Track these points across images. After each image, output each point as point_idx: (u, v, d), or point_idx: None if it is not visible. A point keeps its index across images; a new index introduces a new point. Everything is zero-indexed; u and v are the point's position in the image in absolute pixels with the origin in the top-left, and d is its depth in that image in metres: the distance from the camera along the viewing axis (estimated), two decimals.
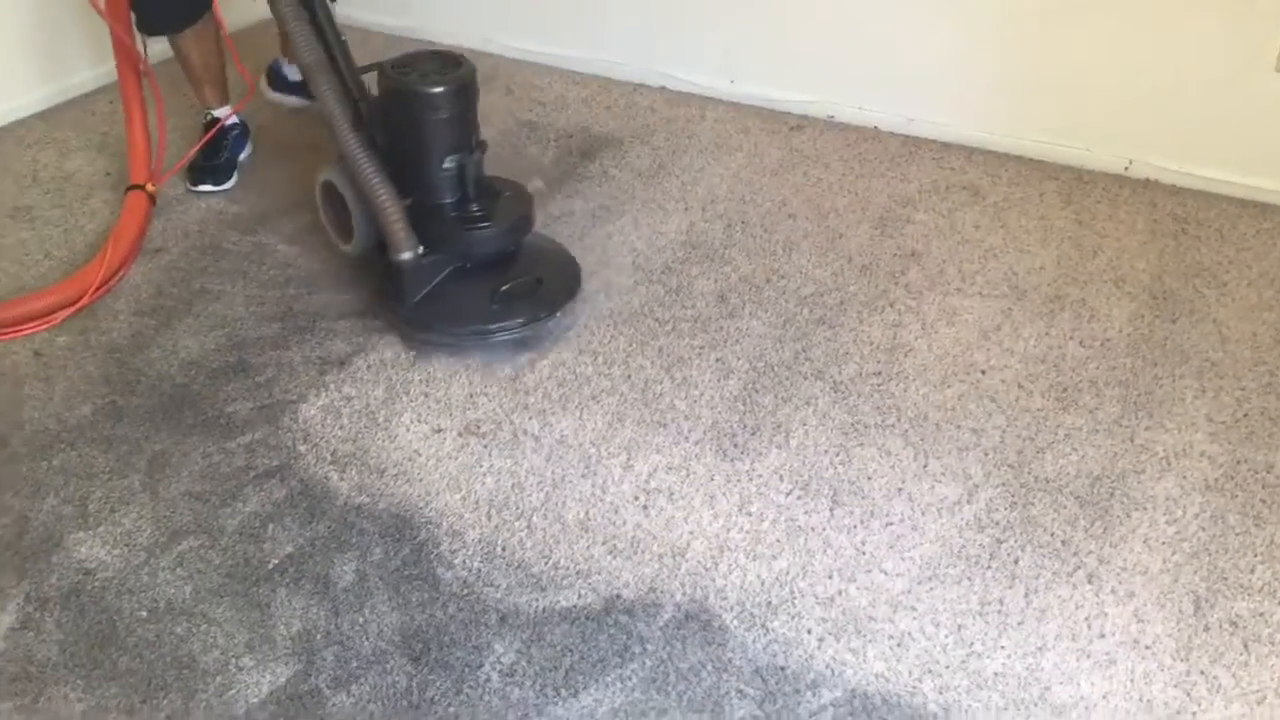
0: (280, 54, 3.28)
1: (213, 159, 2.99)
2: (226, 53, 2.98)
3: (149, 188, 2.74)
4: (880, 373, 2.29)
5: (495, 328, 2.36)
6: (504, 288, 2.35)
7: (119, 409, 2.23)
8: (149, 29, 2.79)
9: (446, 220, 2.36)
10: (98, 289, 2.51)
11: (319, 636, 1.75)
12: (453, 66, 2.31)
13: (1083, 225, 2.75)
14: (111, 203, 2.90)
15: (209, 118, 3.03)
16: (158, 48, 2.88)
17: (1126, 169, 2.94)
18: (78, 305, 2.48)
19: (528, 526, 1.95)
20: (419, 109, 2.27)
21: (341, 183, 2.38)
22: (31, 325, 2.43)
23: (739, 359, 2.34)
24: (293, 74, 3.28)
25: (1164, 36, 2.77)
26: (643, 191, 2.95)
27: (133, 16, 2.70)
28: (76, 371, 2.33)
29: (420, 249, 2.31)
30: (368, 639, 1.75)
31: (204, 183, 2.96)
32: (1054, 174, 2.97)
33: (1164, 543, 1.90)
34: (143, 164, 2.76)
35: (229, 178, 3.00)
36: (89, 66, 3.50)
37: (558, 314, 2.42)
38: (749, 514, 1.97)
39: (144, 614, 1.80)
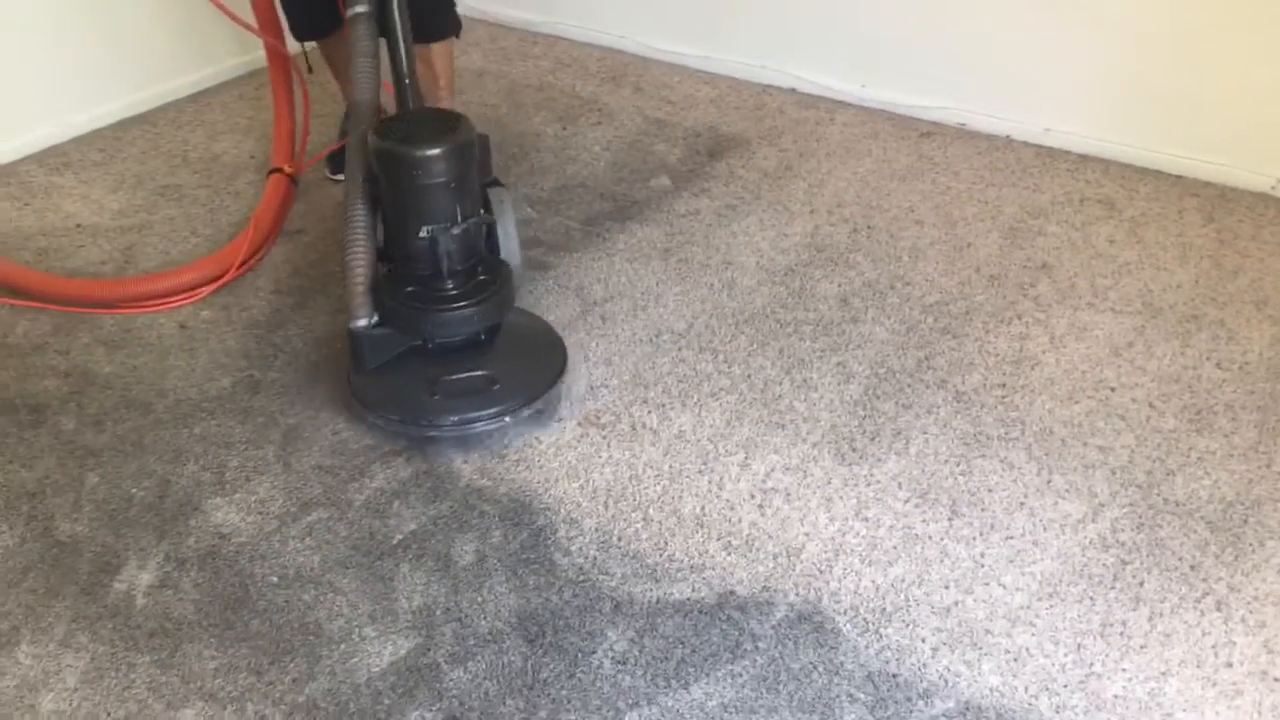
0: None
1: None
2: None
3: (287, 169, 2.84)
4: (1005, 385, 2.26)
5: (425, 423, 2.14)
6: (447, 379, 2.15)
7: (256, 382, 2.32)
8: (301, 37, 2.88)
9: (407, 295, 2.13)
10: (240, 266, 2.62)
11: (439, 612, 1.80)
12: (445, 129, 2.08)
13: (1224, 244, 2.66)
14: (255, 184, 3.02)
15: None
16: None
17: (1273, 188, 2.84)
18: (221, 281, 2.58)
19: (644, 518, 1.98)
20: (398, 171, 2.07)
21: None
22: (177, 299, 2.54)
23: (860, 364, 2.33)
24: None
25: None
26: (769, 192, 2.95)
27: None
28: (218, 345, 2.43)
29: (374, 319, 2.13)
30: (485, 618, 1.79)
31: (342, 171, 3.05)
32: (1195, 190, 2.88)
33: None
34: (286, 149, 2.86)
35: None
36: (238, 53, 3.65)
37: (506, 419, 2.14)
38: (865, 519, 1.96)
39: (275, 579, 1.87)
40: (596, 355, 2.37)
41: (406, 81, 2.30)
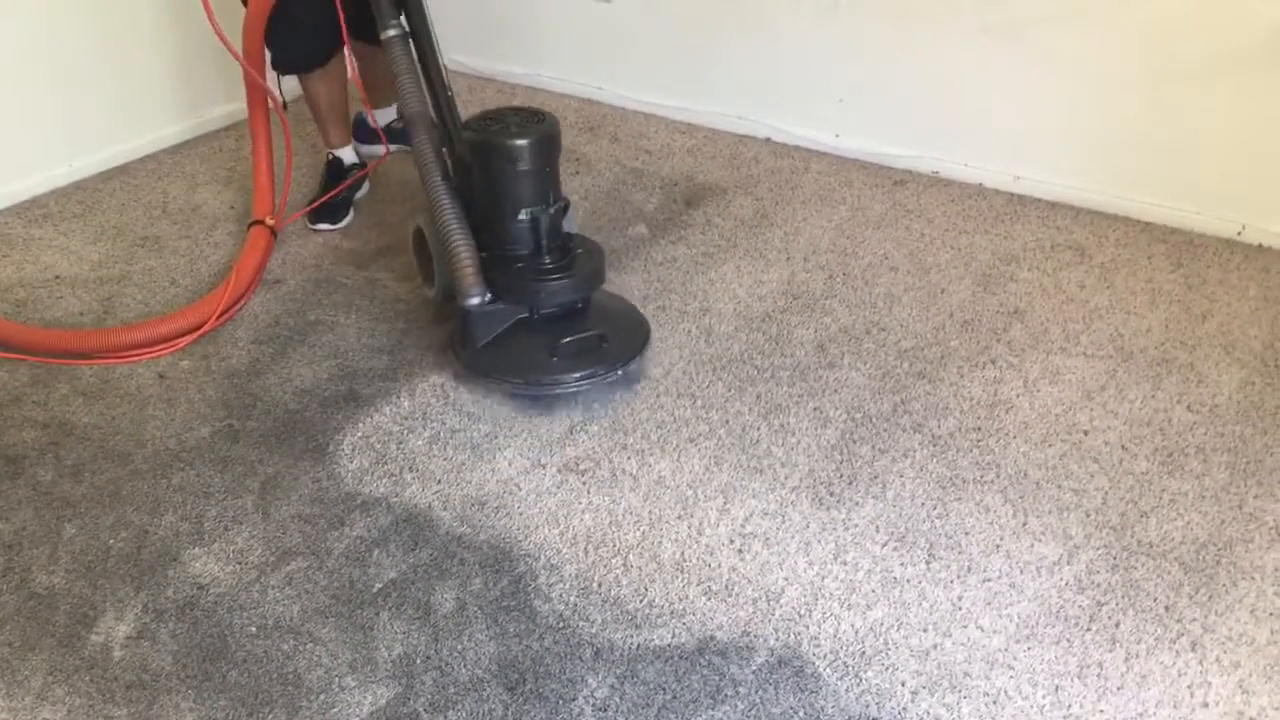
0: (363, 106, 3.29)
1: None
2: (355, 94, 3.11)
3: (268, 221, 2.86)
4: (980, 428, 2.28)
5: (551, 381, 2.35)
6: (564, 341, 2.35)
7: (235, 432, 2.32)
8: (283, 68, 2.92)
9: (516, 271, 2.37)
10: (219, 316, 2.62)
11: (419, 661, 1.80)
12: (534, 121, 2.35)
13: (1192, 289, 2.71)
14: (235, 234, 3.04)
15: (331, 157, 3.16)
16: (287, 85, 3.02)
17: (1239, 234, 2.90)
18: (200, 331, 2.59)
19: (624, 564, 1.98)
20: (496, 161, 2.32)
21: (427, 229, 2.47)
22: (157, 349, 2.54)
23: (837, 409, 2.35)
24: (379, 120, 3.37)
25: (1278, 99, 2.73)
26: (745, 240, 2.99)
27: (268, 56, 2.84)
28: (197, 394, 2.43)
29: (487, 296, 2.33)
30: (465, 666, 1.79)
31: (322, 221, 3.07)
32: (1163, 236, 2.93)
33: (1271, 614, 1.86)
34: (266, 200, 2.88)
35: (345, 215, 3.11)
36: (218, 104, 3.68)
37: (618, 371, 2.39)
38: (844, 563, 1.98)
39: (253, 630, 1.86)
40: (576, 400, 2.38)
41: (450, 93, 2.52)
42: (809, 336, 2.59)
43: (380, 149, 3.29)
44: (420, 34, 2.49)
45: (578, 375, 2.34)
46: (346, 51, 2.88)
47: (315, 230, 3.06)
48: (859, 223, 3.06)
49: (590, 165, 3.40)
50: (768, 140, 3.55)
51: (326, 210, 3.09)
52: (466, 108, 3.78)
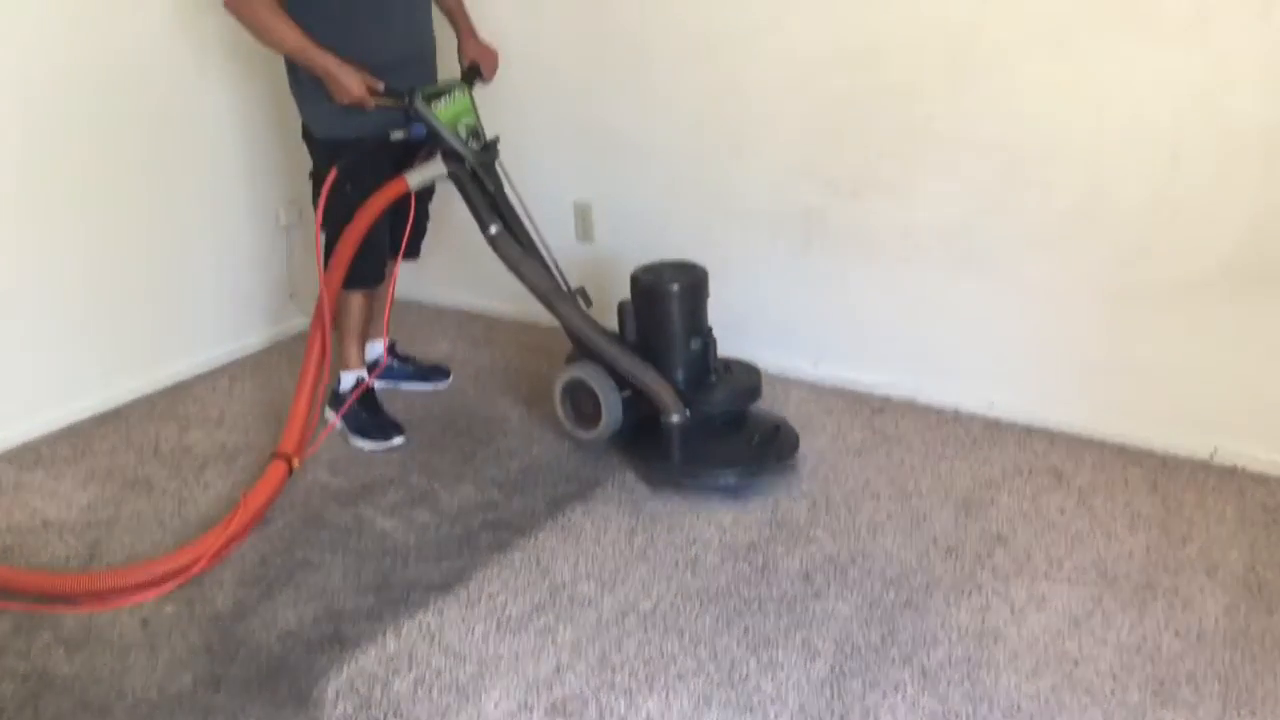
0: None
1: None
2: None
3: (295, 463, 2.84)
4: (970, 659, 2.27)
5: (757, 467, 2.87)
6: (757, 437, 2.90)
7: (218, 678, 2.29)
8: (358, 285, 3.13)
9: (705, 388, 2.90)
10: (213, 557, 2.61)
11: None
12: (689, 269, 2.94)
13: (1170, 512, 2.74)
14: (225, 475, 3.07)
15: (330, 394, 3.24)
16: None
17: (1212, 456, 2.95)
18: (193, 570, 2.57)
19: None
20: (675, 301, 2.87)
21: (593, 377, 2.93)
22: (144, 593, 2.53)
23: (825, 641, 2.34)
24: (371, 352, 3.49)
25: (1245, 324, 2.82)
26: None
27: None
28: (180, 641, 2.41)
29: (687, 412, 2.80)
30: None
31: (369, 439, 3.23)
32: (1137, 460, 2.99)
33: None
34: (297, 433, 2.85)
35: (397, 433, 3.25)
36: (211, 347, 3.80)
37: (797, 452, 2.96)
38: None
39: None
40: (564, 639, 2.37)
41: (560, 273, 3.06)
42: (795, 566, 2.60)
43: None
44: (516, 228, 2.98)
45: (775, 460, 2.89)
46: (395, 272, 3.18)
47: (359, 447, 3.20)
48: (840, 450, 3.12)
49: None
50: None
51: (376, 429, 3.22)
52: (455, 344, 3.90)
